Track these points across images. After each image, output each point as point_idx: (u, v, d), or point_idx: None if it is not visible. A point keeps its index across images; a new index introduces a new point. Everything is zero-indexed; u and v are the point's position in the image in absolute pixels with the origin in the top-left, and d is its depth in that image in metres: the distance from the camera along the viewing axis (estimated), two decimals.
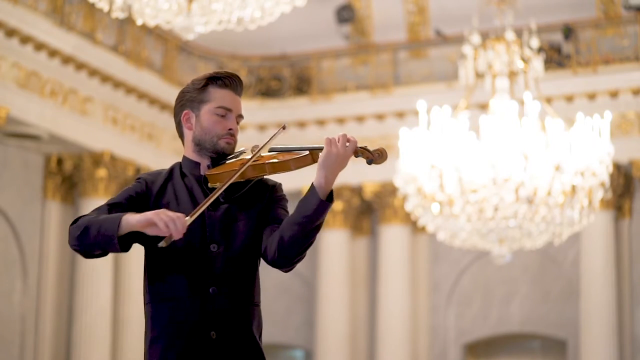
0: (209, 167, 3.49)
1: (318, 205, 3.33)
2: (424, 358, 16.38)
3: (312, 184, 3.35)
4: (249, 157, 3.41)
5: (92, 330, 14.22)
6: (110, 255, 14.51)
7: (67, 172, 14.70)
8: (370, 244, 16.74)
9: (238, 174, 3.36)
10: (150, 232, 3.24)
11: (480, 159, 11.37)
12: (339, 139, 3.38)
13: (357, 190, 16.46)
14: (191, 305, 3.36)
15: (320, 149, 3.38)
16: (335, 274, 16.23)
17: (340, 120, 16.31)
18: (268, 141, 3.48)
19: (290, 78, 16.83)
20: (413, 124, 12.63)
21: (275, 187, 3.56)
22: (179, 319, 3.37)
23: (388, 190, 15.78)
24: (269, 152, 3.47)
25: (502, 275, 16.18)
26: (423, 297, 16.55)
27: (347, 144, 3.38)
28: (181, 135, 3.61)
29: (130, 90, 14.97)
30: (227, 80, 3.52)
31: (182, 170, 3.56)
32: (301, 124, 16.21)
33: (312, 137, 16.23)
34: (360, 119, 16.28)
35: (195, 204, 3.43)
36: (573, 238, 14.05)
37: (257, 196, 3.50)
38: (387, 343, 15.84)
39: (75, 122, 14.17)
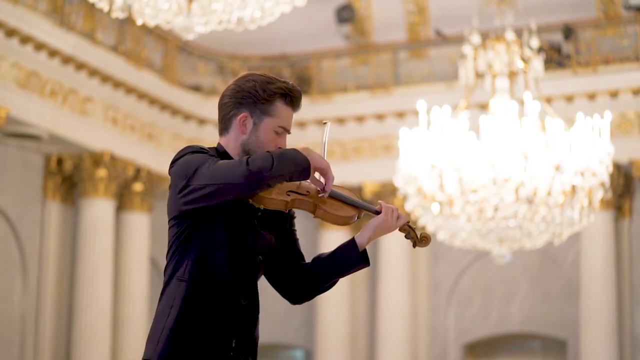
0: None
1: (358, 266, 3.49)
2: (424, 358, 16.38)
3: (354, 240, 3.47)
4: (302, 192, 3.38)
5: (92, 330, 14.21)
6: (110, 256, 14.52)
7: (67, 172, 14.70)
8: (370, 244, 16.72)
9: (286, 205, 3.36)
10: (310, 176, 3.26)
11: (480, 159, 11.37)
12: (393, 211, 3.44)
13: (357, 191, 16.46)
14: (225, 308, 3.36)
15: (371, 211, 3.45)
16: None
17: (340, 120, 16.31)
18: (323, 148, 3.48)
19: (290, 78, 16.83)
20: (413, 124, 12.63)
21: (292, 216, 3.59)
22: (210, 319, 3.34)
23: (388, 190, 15.78)
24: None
25: (502, 275, 16.18)
26: (423, 297, 16.55)
27: (399, 218, 3.46)
28: (226, 127, 3.46)
29: (130, 90, 14.97)
30: (296, 100, 3.50)
31: None
32: (301, 124, 16.21)
33: (312, 137, 16.23)
34: (360, 119, 16.28)
35: (240, 209, 3.38)
36: (573, 238, 14.05)
37: (281, 215, 3.51)
38: (387, 343, 15.84)
39: (75, 122, 14.17)
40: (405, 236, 3.49)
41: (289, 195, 3.33)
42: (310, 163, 3.26)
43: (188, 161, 3.29)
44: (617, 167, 14.65)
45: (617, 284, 15.05)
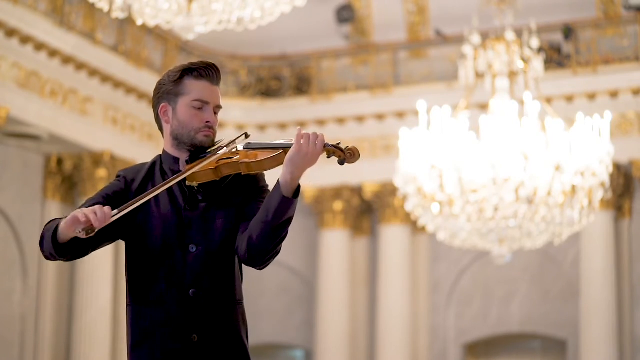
0: (187, 162, 3.40)
1: (281, 201, 3.24)
2: (424, 358, 16.38)
3: (278, 180, 3.29)
4: (223, 150, 3.36)
5: (92, 330, 14.22)
6: (110, 256, 14.52)
7: (67, 172, 14.70)
8: (370, 244, 16.74)
9: (189, 173, 3.34)
10: (75, 229, 3.23)
11: (480, 159, 11.37)
12: (308, 136, 3.25)
13: (357, 190, 16.46)
14: (171, 309, 3.32)
15: (287, 145, 3.31)
16: (335, 274, 16.23)
17: (340, 120, 16.31)
18: (230, 142, 3.41)
19: (290, 78, 16.83)
20: (413, 124, 12.63)
21: (257, 178, 3.47)
22: (159, 323, 3.32)
23: (388, 190, 15.78)
24: (245, 148, 3.39)
25: (502, 275, 16.18)
26: (423, 297, 16.55)
27: (317, 142, 3.25)
28: (160, 128, 3.50)
29: (130, 90, 14.97)
30: (203, 71, 3.42)
31: (162, 167, 3.48)
32: (301, 124, 16.18)
33: None
34: (360, 119, 16.28)
35: (173, 203, 3.40)
36: (573, 238, 14.04)
37: (236, 190, 3.43)
38: (387, 343, 15.84)
39: (75, 122, 14.17)
40: (331, 157, 3.33)
41: (217, 163, 3.33)
42: (60, 235, 3.33)
43: None
44: (617, 167, 14.65)
45: (617, 284, 15.05)
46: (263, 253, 3.31)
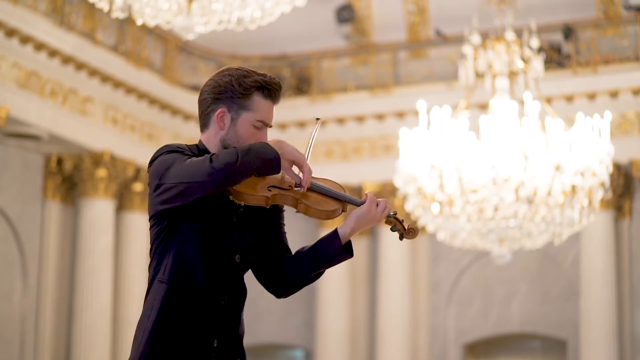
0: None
1: (340, 255, 3.39)
2: (424, 358, 16.38)
3: (337, 231, 3.39)
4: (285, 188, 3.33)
5: (92, 330, 14.22)
6: (110, 256, 14.53)
7: (67, 172, 14.70)
8: (370, 244, 16.74)
9: (267, 201, 3.31)
10: (286, 169, 3.23)
11: (480, 159, 11.37)
12: (379, 202, 3.38)
13: (357, 191, 16.45)
14: (204, 309, 3.33)
15: (356, 203, 3.38)
16: (335, 274, 16.23)
17: (340, 120, 16.31)
18: (309, 147, 3.43)
19: (290, 78, 16.83)
20: (413, 124, 12.63)
21: (283, 212, 3.54)
22: (189, 320, 3.32)
23: (388, 190, 15.77)
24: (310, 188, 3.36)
25: (502, 275, 16.18)
26: (423, 297, 16.55)
27: (384, 209, 3.40)
28: (205, 123, 3.43)
29: (130, 90, 14.97)
30: (273, 92, 3.41)
31: None
32: (301, 124, 16.20)
33: None
34: (360, 119, 16.28)
35: (220, 207, 3.36)
36: (573, 238, 14.05)
37: (265, 210, 3.45)
38: (387, 343, 15.84)
39: (75, 122, 14.17)
40: (392, 229, 3.43)
41: (270, 190, 3.29)
42: (282, 156, 3.23)
43: (162, 160, 3.28)
44: (617, 167, 14.65)
45: (617, 284, 15.05)
46: (297, 289, 3.49)
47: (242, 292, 3.42)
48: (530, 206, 11.40)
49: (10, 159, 14.13)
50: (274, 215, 3.50)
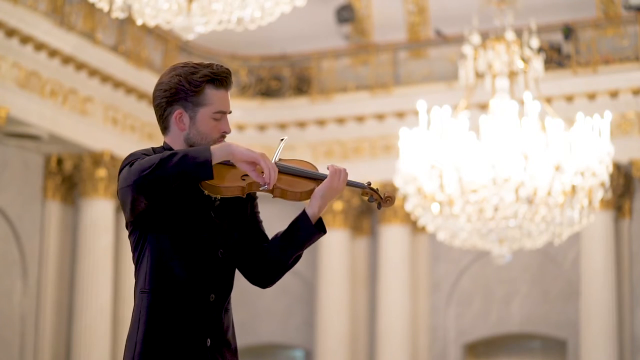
0: None
1: (313, 235, 3.39)
2: (424, 358, 16.38)
3: (305, 212, 3.37)
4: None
5: (92, 330, 14.21)
6: (110, 256, 14.52)
7: (67, 172, 14.70)
8: (370, 244, 16.74)
9: (242, 191, 3.29)
10: (245, 169, 3.20)
11: (480, 159, 11.37)
12: (340, 172, 3.38)
13: (357, 191, 16.43)
14: (193, 310, 3.31)
15: (324, 178, 3.38)
16: (335, 274, 16.23)
17: (340, 120, 16.31)
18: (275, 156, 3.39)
19: (290, 78, 16.83)
20: (413, 124, 12.63)
21: (257, 200, 3.54)
22: (179, 324, 3.30)
23: (388, 191, 15.77)
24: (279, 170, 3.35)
25: (502, 275, 16.18)
26: (423, 297, 16.55)
27: (342, 177, 3.41)
28: (166, 126, 3.42)
29: (130, 90, 14.97)
30: (223, 80, 3.39)
31: None
32: (301, 124, 16.21)
33: (312, 137, 16.24)
34: (360, 119, 16.28)
35: (195, 204, 3.35)
36: (573, 238, 14.05)
37: (241, 200, 3.46)
38: (387, 343, 15.84)
39: (75, 122, 14.17)
40: (369, 199, 3.43)
41: (244, 179, 3.28)
42: (234, 158, 3.18)
43: (124, 172, 3.27)
44: (617, 167, 14.65)
45: (617, 284, 15.05)
46: (277, 278, 3.48)
47: (229, 289, 3.41)
48: (530, 206, 11.40)
49: (10, 159, 14.13)
50: (249, 204, 3.48)
